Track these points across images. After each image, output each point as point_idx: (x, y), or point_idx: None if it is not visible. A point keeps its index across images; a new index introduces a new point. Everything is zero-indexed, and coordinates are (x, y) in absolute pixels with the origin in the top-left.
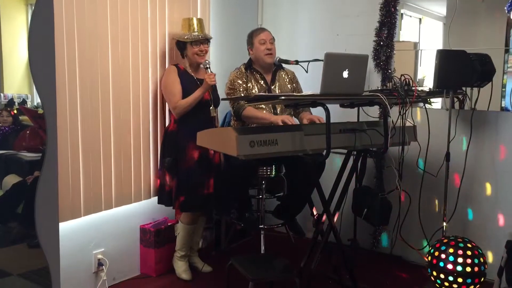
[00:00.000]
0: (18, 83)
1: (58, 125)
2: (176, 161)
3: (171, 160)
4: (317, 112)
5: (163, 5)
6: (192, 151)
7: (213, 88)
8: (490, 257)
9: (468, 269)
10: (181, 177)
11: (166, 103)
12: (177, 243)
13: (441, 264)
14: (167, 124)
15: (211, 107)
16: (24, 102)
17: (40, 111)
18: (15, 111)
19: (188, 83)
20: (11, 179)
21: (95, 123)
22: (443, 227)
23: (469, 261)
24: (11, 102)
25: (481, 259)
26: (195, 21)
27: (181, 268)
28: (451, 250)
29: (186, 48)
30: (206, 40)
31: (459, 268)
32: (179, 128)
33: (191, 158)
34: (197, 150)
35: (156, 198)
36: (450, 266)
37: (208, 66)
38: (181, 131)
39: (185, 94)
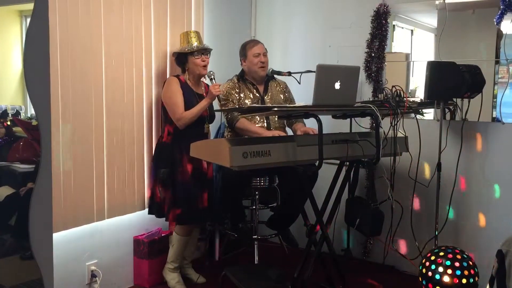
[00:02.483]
0: (11, 94)
1: (51, 136)
2: (171, 173)
3: (166, 172)
4: (310, 123)
5: (157, 17)
6: (187, 164)
7: (211, 104)
8: (484, 263)
9: (460, 280)
10: (177, 190)
11: (162, 114)
12: (171, 255)
13: (433, 275)
14: (160, 136)
15: (205, 124)
16: (17, 113)
17: (34, 122)
18: (9, 123)
19: (189, 95)
20: (4, 191)
21: (89, 134)
22: (435, 236)
23: (460, 272)
24: (4, 113)
25: (473, 271)
26: (193, 34)
27: (174, 280)
28: (442, 261)
29: (188, 61)
30: (207, 51)
31: (450, 279)
32: (174, 141)
33: (186, 171)
34: (190, 164)
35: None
36: (441, 278)
37: (212, 76)
38: (176, 143)
39: (185, 106)
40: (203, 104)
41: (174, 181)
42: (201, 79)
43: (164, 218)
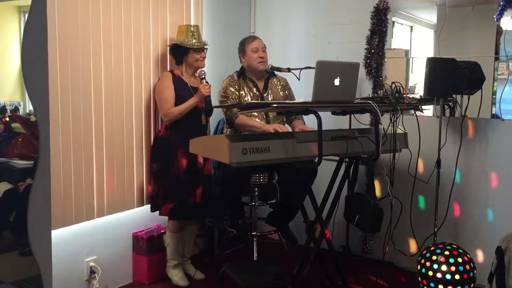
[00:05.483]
0: (10, 90)
1: (50, 132)
2: (165, 167)
3: (158, 166)
4: (309, 119)
5: (157, 12)
6: (181, 159)
7: (207, 98)
8: (484, 259)
9: (457, 276)
10: (170, 184)
11: (158, 109)
12: (168, 253)
13: (430, 272)
14: (158, 130)
15: (202, 116)
16: (16, 109)
17: (33, 118)
18: (7, 119)
19: (182, 90)
20: (2, 187)
21: (88, 131)
22: (435, 233)
23: (457, 268)
24: (3, 109)
25: (470, 265)
26: (195, 28)
27: (177, 276)
28: (439, 258)
29: (188, 55)
30: (205, 47)
31: (447, 276)
32: (171, 135)
33: (180, 165)
34: (186, 159)
35: (148, 206)
36: (438, 275)
37: (203, 76)
38: (172, 137)
39: (178, 101)
40: (190, 102)
41: (167, 175)
42: (196, 75)
43: (158, 214)
